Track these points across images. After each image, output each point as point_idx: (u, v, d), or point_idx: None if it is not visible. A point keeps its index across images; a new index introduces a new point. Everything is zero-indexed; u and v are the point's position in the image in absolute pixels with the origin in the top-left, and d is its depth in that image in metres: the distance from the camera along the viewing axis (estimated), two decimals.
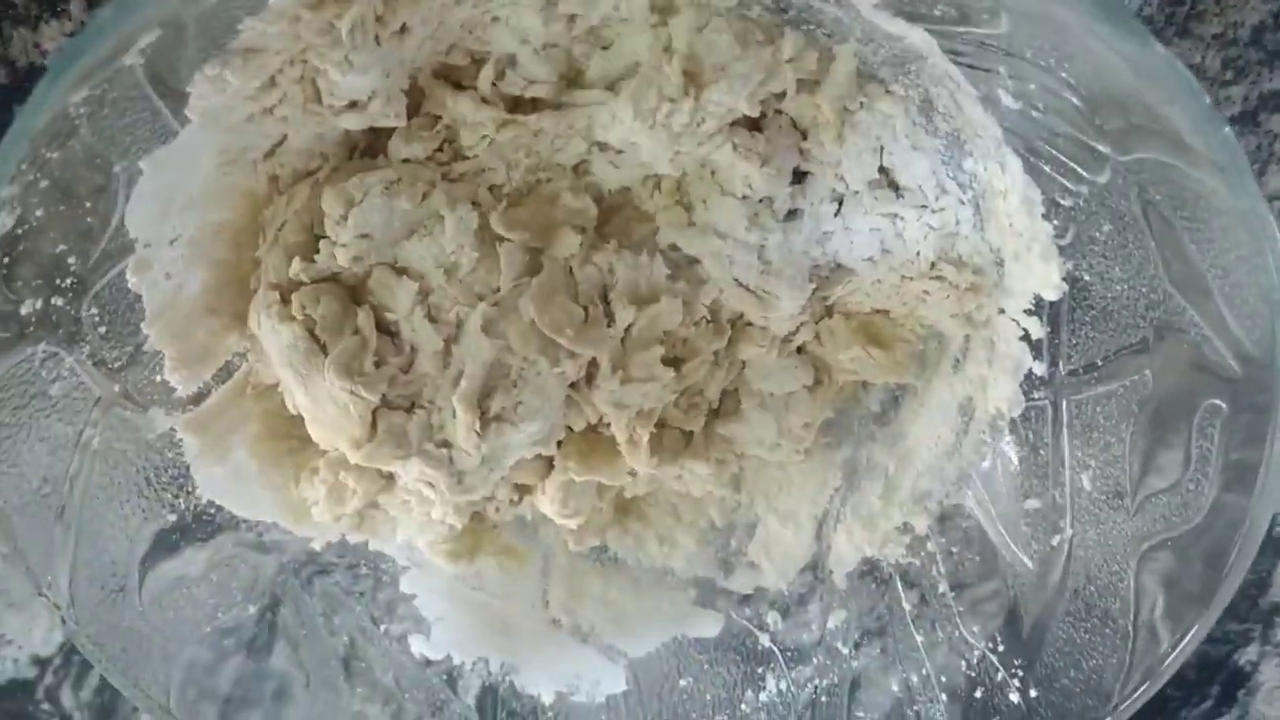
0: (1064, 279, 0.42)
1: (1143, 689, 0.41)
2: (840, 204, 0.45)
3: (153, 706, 0.40)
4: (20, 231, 0.34)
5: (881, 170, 0.44)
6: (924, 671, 0.48)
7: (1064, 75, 0.35)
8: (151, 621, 0.42)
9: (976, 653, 0.47)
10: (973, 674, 0.47)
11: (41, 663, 0.54)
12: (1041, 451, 0.46)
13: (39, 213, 0.34)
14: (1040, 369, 0.45)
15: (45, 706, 0.54)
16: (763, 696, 0.51)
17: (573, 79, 0.43)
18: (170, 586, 0.43)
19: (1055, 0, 0.30)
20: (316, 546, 0.47)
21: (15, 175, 0.32)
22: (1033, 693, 0.44)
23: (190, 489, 0.44)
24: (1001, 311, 0.45)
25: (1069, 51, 0.34)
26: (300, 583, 0.47)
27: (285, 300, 0.42)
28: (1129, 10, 0.31)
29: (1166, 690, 0.39)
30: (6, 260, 0.34)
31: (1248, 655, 0.50)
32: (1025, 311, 0.44)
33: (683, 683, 0.52)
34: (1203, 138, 0.31)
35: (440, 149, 0.44)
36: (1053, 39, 0.34)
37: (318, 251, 0.42)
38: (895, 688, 0.49)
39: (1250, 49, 0.45)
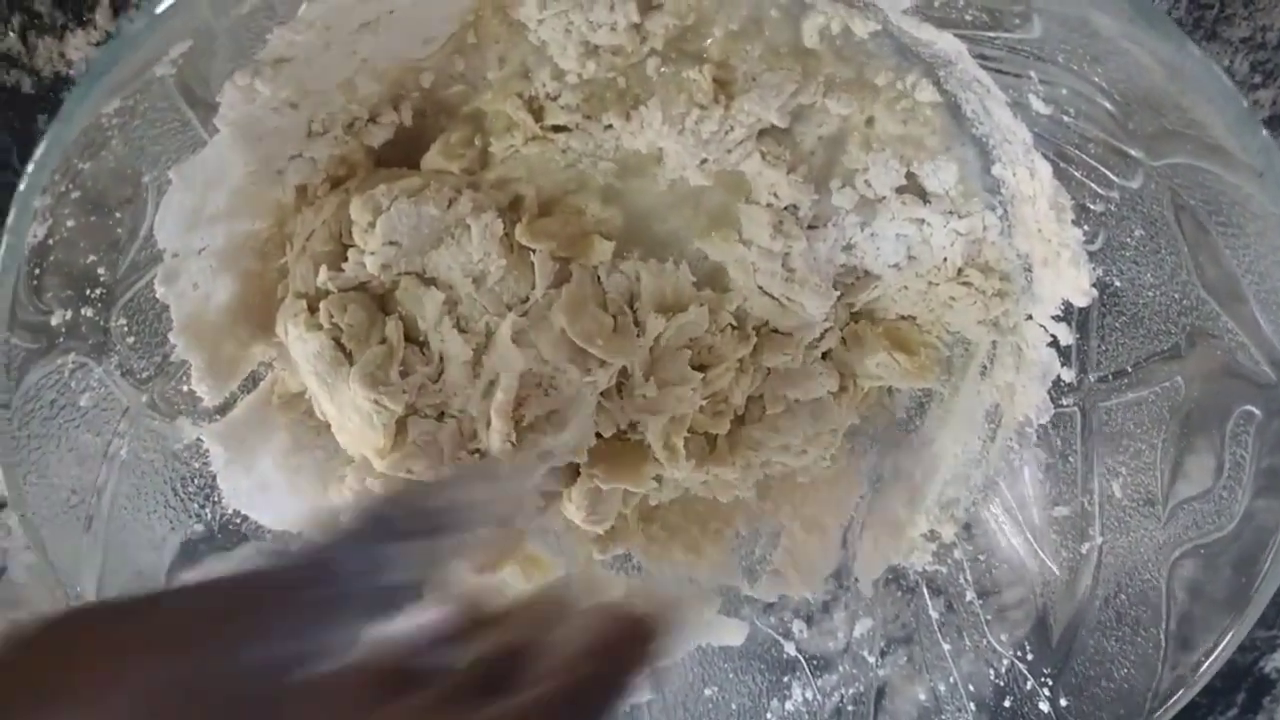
0: (1094, 285, 0.42)
1: (1176, 698, 0.40)
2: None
3: None
4: (51, 242, 0.34)
5: (909, 176, 0.44)
6: (951, 680, 0.48)
7: (1096, 79, 0.35)
8: None
9: (1005, 661, 0.46)
10: (1001, 683, 0.46)
11: None
12: (1070, 459, 0.45)
13: (70, 223, 0.34)
14: (1069, 375, 0.44)
15: None
16: (788, 705, 0.51)
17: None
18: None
19: (1090, 4, 0.30)
20: None
21: (48, 186, 0.32)
22: (1063, 702, 0.44)
23: (217, 499, 0.44)
24: (1029, 318, 0.45)
25: (1102, 55, 0.33)
26: None
27: (313, 309, 0.42)
28: (1164, 14, 0.31)
29: (1193, 697, 0.38)
30: (38, 271, 0.34)
31: (1274, 662, 0.50)
32: (1054, 318, 0.44)
33: (708, 692, 0.51)
34: (1239, 141, 0.30)
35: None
36: (1086, 43, 0.34)
37: (345, 260, 0.42)
38: (922, 696, 0.48)
39: (1279, 52, 0.45)
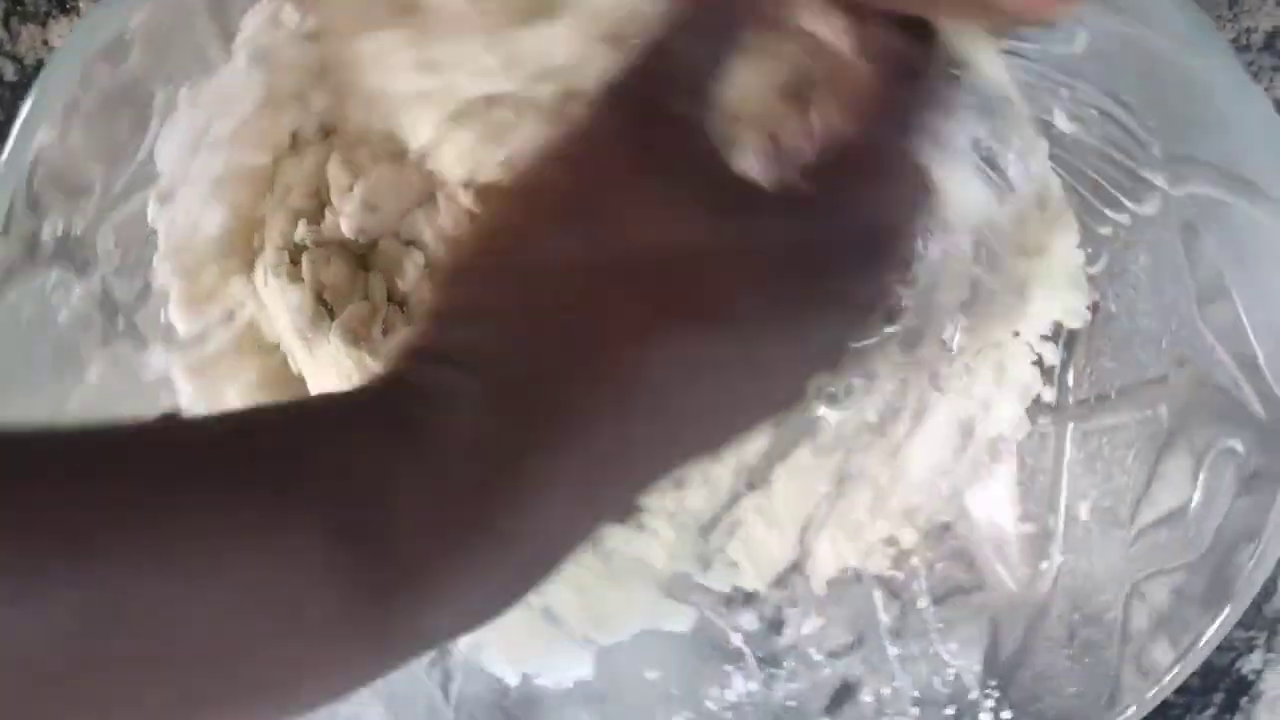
0: (1088, 307, 0.42)
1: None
2: None
3: None
4: (57, 150, 0.32)
5: None
6: (896, 684, 0.48)
7: (1131, 101, 0.35)
8: None
9: (952, 670, 0.47)
10: (947, 690, 0.47)
11: None
12: (1040, 477, 0.46)
13: (77, 133, 0.33)
14: (1049, 395, 0.45)
15: None
16: (729, 695, 0.50)
17: None
18: None
19: (1144, 24, 0.30)
20: None
21: (66, 91, 0.30)
22: (1006, 715, 0.45)
23: None
24: (1016, 334, 0.45)
25: (1144, 77, 0.34)
26: None
27: (295, 262, 0.41)
28: (1222, 38, 0.31)
29: (1169, 698, 0.39)
30: (38, 177, 0.32)
31: (1251, 663, 0.51)
32: (1042, 337, 0.44)
33: (650, 674, 0.51)
34: (1275, 177, 0.31)
35: None
36: (1130, 64, 0.34)
37: (323, 218, 0.41)
38: (867, 698, 0.49)
39: (1264, 54, 0.46)
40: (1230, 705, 0.51)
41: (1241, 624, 0.47)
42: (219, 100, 0.37)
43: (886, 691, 0.48)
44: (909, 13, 0.31)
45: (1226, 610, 0.38)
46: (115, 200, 0.36)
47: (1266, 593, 0.52)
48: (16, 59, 0.45)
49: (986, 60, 0.38)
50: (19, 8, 0.45)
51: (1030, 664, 0.44)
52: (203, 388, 0.43)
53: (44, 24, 0.45)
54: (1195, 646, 0.40)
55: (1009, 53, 0.38)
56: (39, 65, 0.45)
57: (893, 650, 0.49)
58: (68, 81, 0.30)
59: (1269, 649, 0.50)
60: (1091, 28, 0.34)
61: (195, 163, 0.38)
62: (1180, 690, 0.39)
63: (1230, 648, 0.51)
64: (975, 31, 0.37)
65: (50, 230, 0.35)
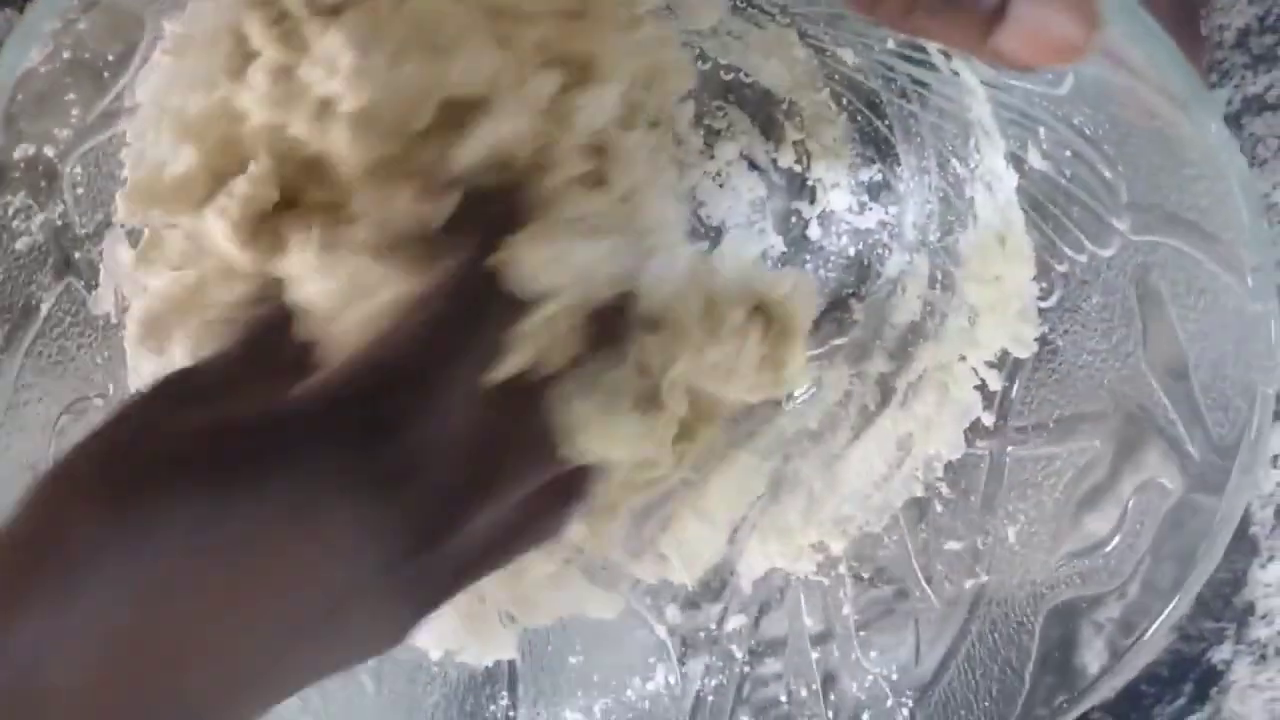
0: (1036, 339, 0.44)
1: None
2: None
3: None
4: (43, 70, 0.31)
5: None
6: (813, 687, 0.49)
7: (1108, 150, 0.36)
8: None
9: (870, 677, 0.48)
10: (862, 696, 0.48)
11: None
12: (972, 497, 0.47)
13: (66, 55, 0.31)
14: (988, 419, 0.46)
15: None
16: (649, 686, 0.51)
17: None
18: None
19: (1137, 76, 0.31)
20: None
21: (64, 12, 0.29)
22: None
23: (121, 378, 0.41)
24: (963, 359, 0.47)
25: (1125, 128, 0.35)
26: None
27: None
28: (1216, 103, 0.33)
29: (1140, 687, 0.40)
30: (19, 97, 0.31)
31: (1221, 654, 0.52)
32: (987, 363, 0.46)
33: (572, 660, 0.51)
34: (1239, 235, 0.32)
35: None
36: (1112, 111, 0.35)
37: None
38: (783, 698, 0.50)
39: (1235, 52, 0.48)
40: (1200, 695, 0.52)
41: (1211, 615, 0.49)
42: (203, 35, 0.35)
43: (804, 693, 0.49)
44: (903, 34, 0.32)
45: (1142, 637, 0.40)
46: (89, 130, 0.35)
47: (1235, 584, 0.53)
48: None
49: (970, 88, 0.40)
50: None
51: (947, 678, 0.46)
52: (150, 330, 0.42)
53: (21, 9, 0.43)
54: (1095, 682, 0.42)
55: (993, 85, 0.39)
56: None
57: (813, 654, 0.50)
58: (60, 5, 0.29)
59: (1238, 640, 0.51)
60: (1079, 71, 0.35)
61: (173, 98, 0.37)
62: (1150, 680, 0.40)
63: (1200, 638, 0.52)
64: (965, 57, 0.38)
65: (22, 153, 0.33)
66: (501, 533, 0.31)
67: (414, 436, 0.27)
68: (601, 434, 0.33)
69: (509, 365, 0.30)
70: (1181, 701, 0.52)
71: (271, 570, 0.25)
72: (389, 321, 0.29)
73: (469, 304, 0.29)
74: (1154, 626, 0.40)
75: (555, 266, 0.30)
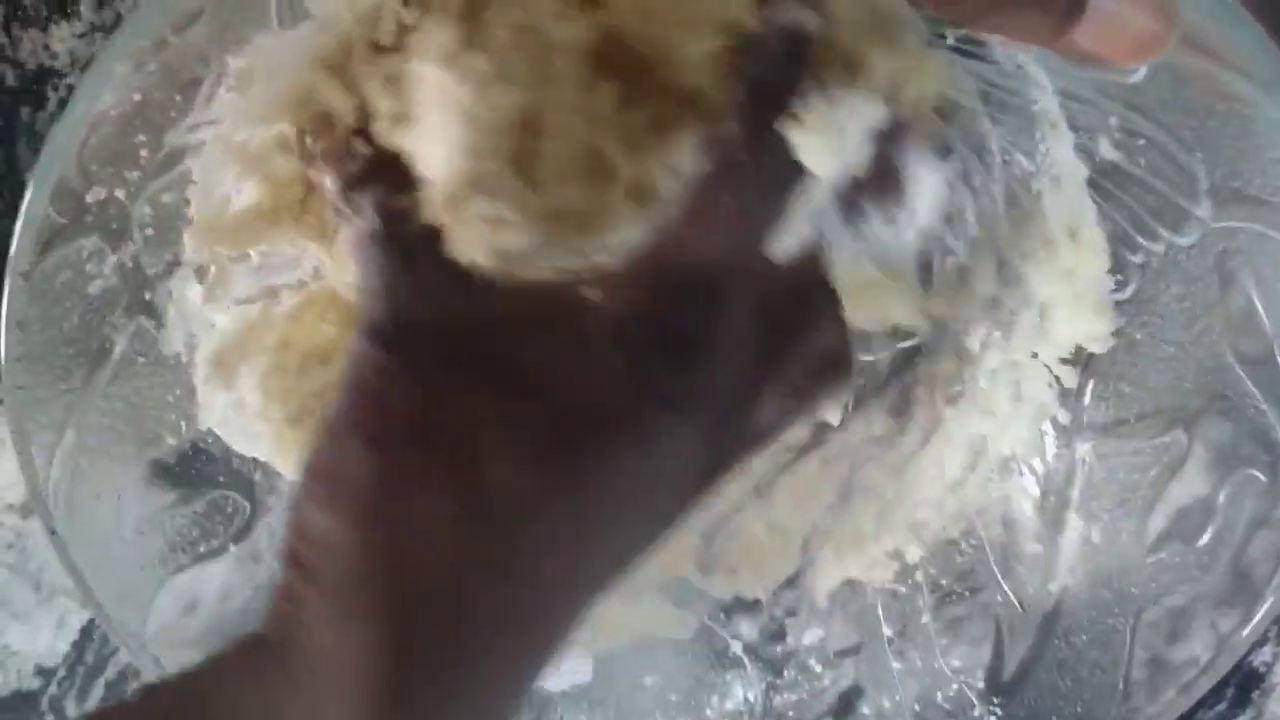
0: (1112, 333, 0.43)
1: None
2: None
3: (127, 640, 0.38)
4: (113, 114, 0.31)
5: None
6: (897, 698, 0.48)
7: (1185, 135, 0.36)
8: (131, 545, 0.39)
9: (954, 686, 0.47)
10: (948, 706, 0.47)
11: (46, 673, 0.54)
12: (1051, 497, 0.46)
13: (136, 98, 0.32)
14: (1064, 417, 0.45)
15: (50, 718, 0.54)
16: (728, 704, 0.50)
17: None
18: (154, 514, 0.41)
19: (1215, 59, 0.30)
20: None
21: (137, 53, 0.29)
22: None
23: (193, 413, 0.41)
24: (1035, 356, 0.46)
25: (1203, 113, 0.34)
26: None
27: None
28: None
29: None
30: (92, 142, 0.31)
31: (1263, 656, 0.51)
32: (1061, 359, 0.45)
33: (648, 680, 0.51)
34: None
35: None
36: (1188, 97, 0.34)
37: None
38: (866, 710, 0.49)
39: None
40: (1242, 699, 0.51)
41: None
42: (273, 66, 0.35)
43: (887, 704, 0.48)
44: (972, 27, 0.31)
45: (1244, 632, 0.39)
46: (157, 170, 0.35)
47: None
48: (18, 64, 0.45)
49: (1037, 82, 0.39)
50: (19, 13, 0.45)
51: (1034, 683, 0.45)
52: (218, 366, 0.42)
53: (45, 29, 0.45)
54: (1198, 677, 0.41)
55: (1061, 77, 0.38)
56: (40, 70, 0.45)
57: (895, 663, 0.49)
58: (131, 48, 0.29)
59: None
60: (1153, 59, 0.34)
61: (240, 131, 0.37)
62: None
63: None
64: (1031, 49, 0.37)
65: (94, 196, 0.33)
66: (777, 415, 0.33)
67: (721, 343, 0.30)
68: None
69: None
70: (1223, 706, 0.51)
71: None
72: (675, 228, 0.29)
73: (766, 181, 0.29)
74: (1255, 620, 0.39)
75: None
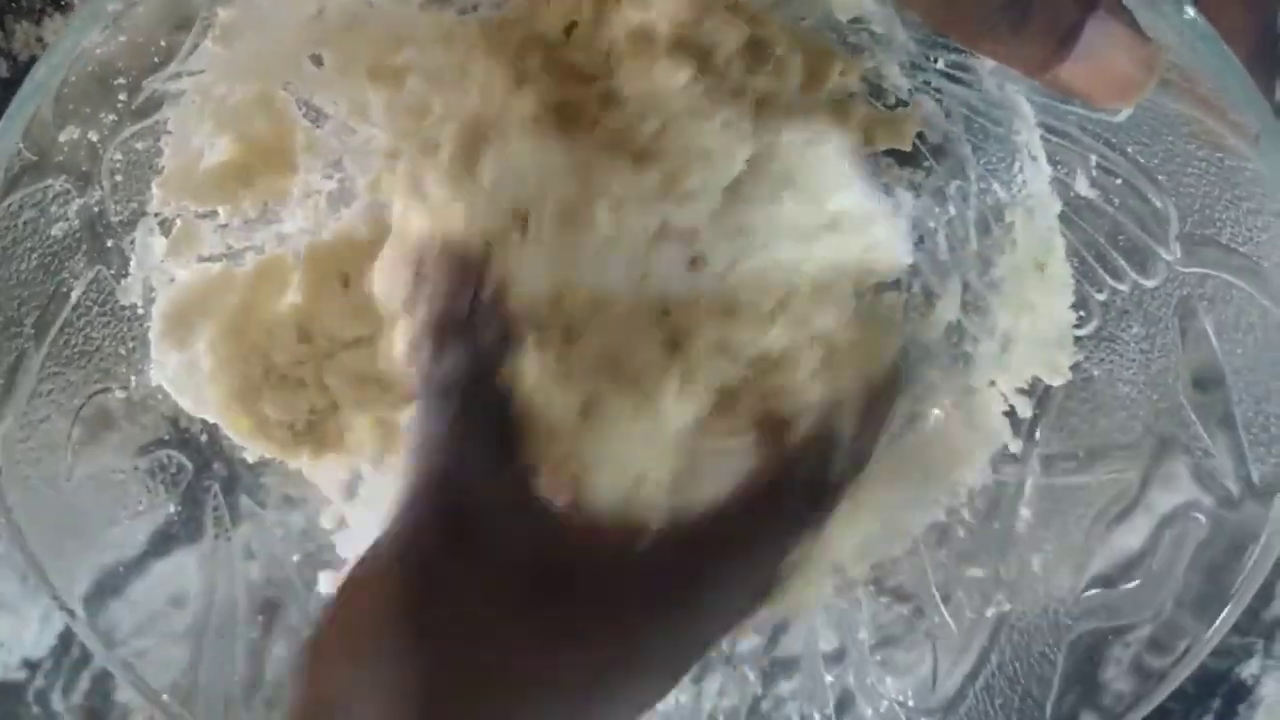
0: (1070, 367, 0.43)
1: None
2: None
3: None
4: (98, 53, 0.30)
5: None
6: (826, 711, 0.49)
7: (1162, 179, 0.36)
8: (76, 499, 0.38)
9: (885, 702, 0.47)
10: None
11: (31, 665, 0.53)
12: (996, 524, 0.47)
13: (121, 38, 0.31)
14: (1015, 446, 0.46)
15: (35, 710, 0.54)
16: (660, 705, 0.50)
17: None
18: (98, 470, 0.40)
19: (1203, 108, 0.31)
20: (249, 458, 0.44)
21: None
22: None
23: (143, 368, 0.40)
24: (992, 384, 0.46)
25: (1183, 159, 0.35)
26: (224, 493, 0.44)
27: None
28: None
29: (1166, 704, 0.40)
30: (71, 79, 0.30)
31: (1250, 669, 0.52)
32: (1017, 389, 0.45)
33: None
34: None
35: None
36: (1170, 141, 0.35)
37: None
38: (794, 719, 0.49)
39: None
40: (1228, 711, 0.51)
41: (1239, 629, 0.49)
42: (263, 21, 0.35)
43: (816, 717, 0.49)
44: (968, 47, 0.31)
45: (1176, 669, 0.39)
46: (133, 115, 0.34)
47: (1265, 598, 0.54)
48: (10, 56, 0.45)
49: (1021, 113, 0.39)
50: (13, 4, 0.44)
51: (965, 707, 0.45)
52: (173, 323, 0.41)
53: (38, 21, 0.44)
54: (1125, 713, 0.41)
55: (1046, 110, 0.39)
56: (32, 62, 0.44)
57: (827, 677, 0.49)
58: None
59: (1267, 654, 0.51)
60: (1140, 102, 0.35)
61: (219, 86, 0.36)
62: (1177, 696, 0.40)
63: (1228, 653, 0.52)
64: (1020, 80, 0.38)
65: (67, 135, 0.32)
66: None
67: None
68: None
69: None
70: (1209, 718, 0.52)
71: None
72: None
73: None
74: (1178, 667, 0.39)
75: None
